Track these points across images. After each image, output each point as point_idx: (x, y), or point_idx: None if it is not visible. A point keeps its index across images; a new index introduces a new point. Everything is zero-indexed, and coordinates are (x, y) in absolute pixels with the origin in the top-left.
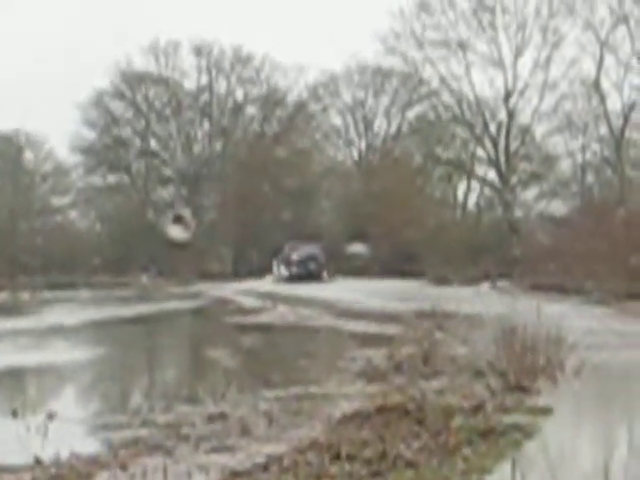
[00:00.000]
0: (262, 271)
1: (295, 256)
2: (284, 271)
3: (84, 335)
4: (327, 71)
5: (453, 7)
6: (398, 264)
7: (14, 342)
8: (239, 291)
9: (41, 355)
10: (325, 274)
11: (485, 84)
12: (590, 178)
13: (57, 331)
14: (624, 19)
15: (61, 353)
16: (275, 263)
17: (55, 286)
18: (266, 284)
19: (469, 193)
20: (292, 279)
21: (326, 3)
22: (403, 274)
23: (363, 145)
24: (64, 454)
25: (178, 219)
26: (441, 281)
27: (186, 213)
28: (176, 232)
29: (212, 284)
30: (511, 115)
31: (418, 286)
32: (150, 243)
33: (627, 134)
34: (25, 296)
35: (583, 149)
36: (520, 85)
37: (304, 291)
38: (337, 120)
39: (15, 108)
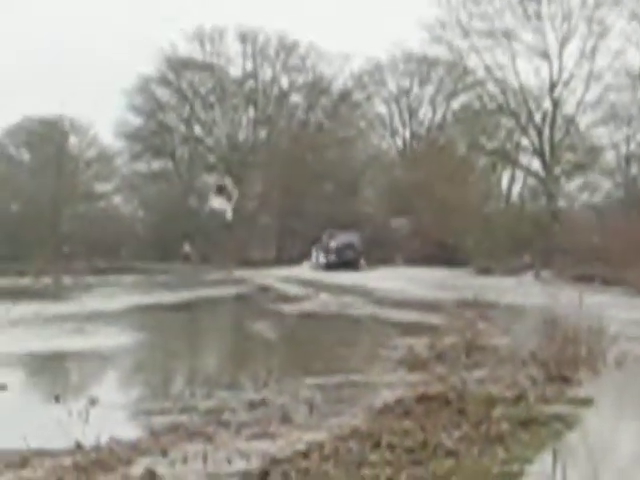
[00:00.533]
0: (300, 258)
1: (333, 244)
2: (322, 259)
3: (127, 320)
4: (372, 59)
5: None
6: (441, 253)
7: (58, 327)
8: (279, 278)
9: (84, 340)
10: (362, 262)
11: (530, 74)
12: (634, 169)
13: (100, 316)
14: None
15: (104, 338)
16: (314, 251)
17: (98, 271)
18: (305, 271)
19: (513, 183)
20: (330, 267)
21: None
22: (446, 263)
23: (407, 134)
24: (105, 439)
25: (220, 189)
26: (484, 271)
27: (228, 183)
28: (219, 202)
29: (254, 271)
30: (556, 105)
31: (461, 275)
32: (193, 230)
33: None
34: (68, 281)
35: (627, 140)
36: (565, 75)
37: (344, 279)
38: (382, 109)
39: (60, 93)
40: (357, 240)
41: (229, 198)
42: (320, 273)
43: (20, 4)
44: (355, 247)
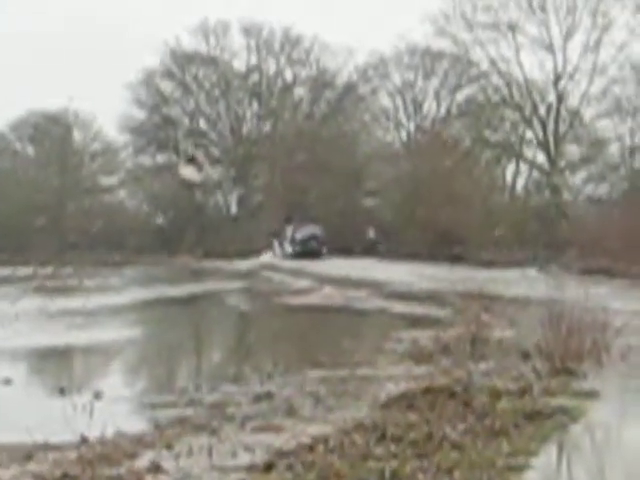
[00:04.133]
0: (260, 250)
1: (298, 235)
2: (288, 248)
3: (132, 314)
4: (376, 53)
5: None
6: (445, 246)
7: (63, 321)
8: (259, 266)
9: (90, 334)
10: (325, 251)
11: (535, 67)
12: (639, 162)
13: (105, 311)
14: None
15: (108, 332)
16: (276, 242)
17: (102, 264)
18: (275, 260)
19: (517, 176)
20: (296, 256)
21: None
22: (450, 257)
23: (412, 127)
24: (110, 433)
25: (191, 160)
26: (488, 264)
27: (199, 154)
28: (188, 172)
29: (228, 261)
30: (560, 98)
31: (465, 269)
32: (197, 223)
33: None
34: (72, 274)
35: (632, 133)
36: (569, 68)
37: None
38: (386, 102)
39: (64, 87)
40: (320, 232)
41: (199, 169)
42: (293, 262)
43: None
44: (318, 238)
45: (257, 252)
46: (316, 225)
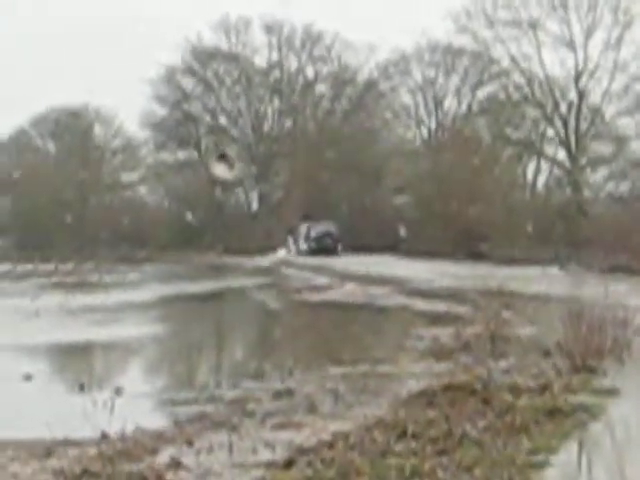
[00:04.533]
0: (275, 247)
1: (313, 233)
2: (303, 245)
3: (152, 311)
4: (398, 50)
5: None
6: (466, 244)
7: (84, 317)
8: (276, 262)
9: (110, 330)
10: (340, 248)
11: (556, 64)
12: None
13: (125, 307)
14: None
15: (129, 328)
16: (291, 239)
17: (124, 260)
18: (291, 257)
19: (538, 173)
20: (312, 252)
21: None
22: (471, 254)
23: (433, 124)
24: (130, 429)
25: (222, 157)
26: (509, 261)
27: (231, 151)
28: (220, 170)
29: (247, 258)
30: (581, 95)
31: (486, 266)
32: (218, 220)
33: None
34: (92, 269)
35: None
36: (591, 66)
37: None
38: (407, 99)
39: (85, 83)
40: (335, 229)
41: (231, 166)
42: (309, 258)
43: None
44: (333, 235)
45: (272, 249)
46: (331, 223)
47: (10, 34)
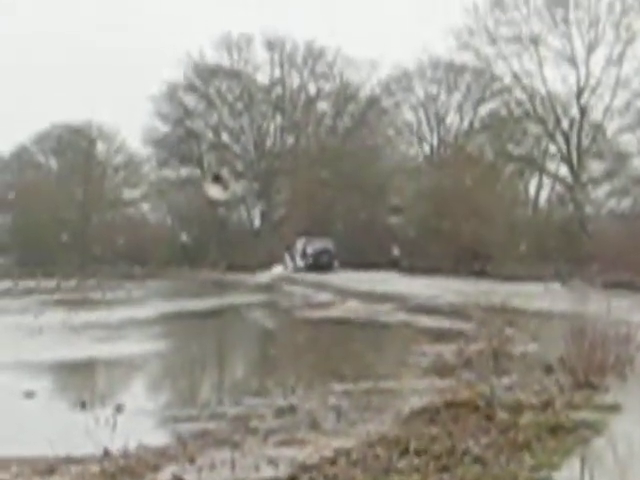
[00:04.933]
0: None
1: (310, 250)
2: (300, 262)
3: (154, 328)
4: (400, 66)
5: (526, 2)
6: (469, 261)
7: (86, 334)
8: (276, 279)
9: (112, 347)
10: (336, 265)
11: (557, 80)
12: None
13: (128, 324)
14: None
15: (131, 345)
16: (287, 255)
17: (126, 277)
18: (289, 273)
19: (540, 190)
20: (308, 269)
21: None
22: (473, 271)
23: (435, 141)
24: (132, 446)
25: (217, 178)
26: (511, 278)
27: (224, 172)
28: (214, 191)
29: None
30: (583, 112)
31: (488, 283)
32: (220, 237)
33: None
34: (95, 286)
35: None
36: (592, 82)
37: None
38: (409, 116)
39: (88, 100)
40: (331, 246)
41: (225, 187)
42: (310, 275)
43: (51, 10)
44: (330, 252)
45: (268, 265)
46: (328, 240)
47: (12, 50)
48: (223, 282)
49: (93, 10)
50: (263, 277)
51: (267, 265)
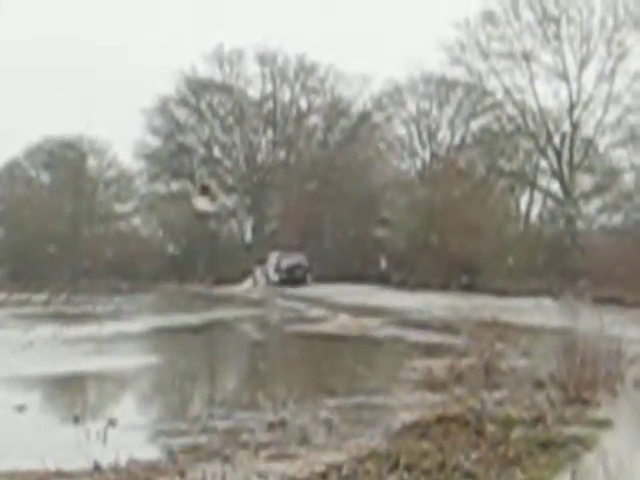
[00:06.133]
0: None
1: (284, 264)
2: (274, 276)
3: (145, 342)
4: (391, 81)
5: (518, 18)
6: (459, 275)
7: (77, 348)
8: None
9: (103, 361)
10: (309, 279)
11: (549, 96)
12: None
13: (119, 338)
14: None
15: (122, 359)
16: (259, 270)
17: (116, 291)
18: (259, 288)
19: (532, 205)
20: (283, 282)
21: (390, 13)
22: (463, 285)
23: (427, 155)
24: (123, 460)
25: (204, 190)
26: (502, 293)
27: (212, 184)
28: (202, 203)
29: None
30: (575, 127)
31: (478, 298)
32: (211, 251)
33: None
34: (85, 300)
35: None
36: (584, 97)
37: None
38: (401, 130)
39: (79, 113)
40: (304, 260)
41: (213, 199)
42: (300, 290)
43: (42, 22)
44: (303, 266)
45: (238, 280)
46: (301, 254)
47: (4, 64)
48: (212, 296)
49: (88, 23)
50: (238, 291)
51: (239, 279)
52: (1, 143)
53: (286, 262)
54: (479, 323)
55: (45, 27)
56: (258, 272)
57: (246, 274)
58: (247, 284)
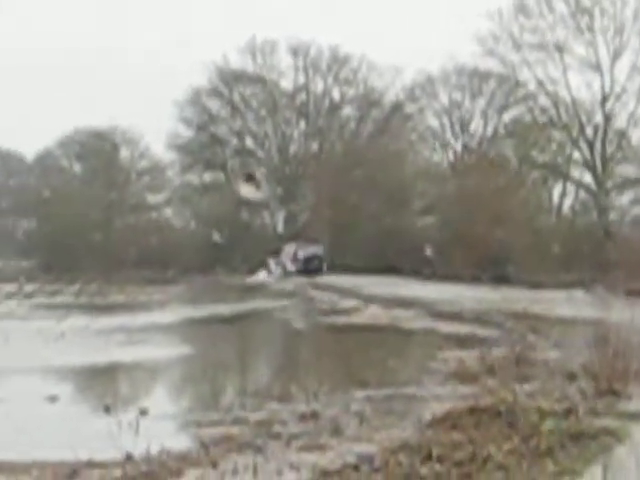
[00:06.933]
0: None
1: (301, 255)
2: (291, 266)
3: (178, 332)
4: (424, 72)
5: (551, 10)
6: (491, 267)
7: (109, 339)
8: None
9: (136, 352)
10: (325, 269)
11: (582, 87)
12: None
13: (151, 328)
14: None
15: (155, 350)
16: (272, 261)
17: (150, 281)
18: (275, 279)
19: (564, 197)
20: (299, 273)
21: (423, 4)
22: (496, 277)
23: (459, 147)
24: (155, 450)
25: (249, 178)
26: (535, 285)
27: (257, 172)
28: (247, 190)
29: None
30: (608, 119)
31: (511, 290)
32: (244, 242)
33: None
34: (118, 290)
35: None
36: (617, 89)
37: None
38: (433, 121)
39: (112, 104)
40: (321, 251)
41: (258, 186)
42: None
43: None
44: (320, 257)
45: (251, 272)
46: (317, 245)
47: (39, 56)
48: (247, 287)
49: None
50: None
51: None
52: (33, 133)
53: (303, 253)
54: (511, 315)
55: (81, 15)
56: (272, 263)
57: (259, 265)
58: (262, 275)
